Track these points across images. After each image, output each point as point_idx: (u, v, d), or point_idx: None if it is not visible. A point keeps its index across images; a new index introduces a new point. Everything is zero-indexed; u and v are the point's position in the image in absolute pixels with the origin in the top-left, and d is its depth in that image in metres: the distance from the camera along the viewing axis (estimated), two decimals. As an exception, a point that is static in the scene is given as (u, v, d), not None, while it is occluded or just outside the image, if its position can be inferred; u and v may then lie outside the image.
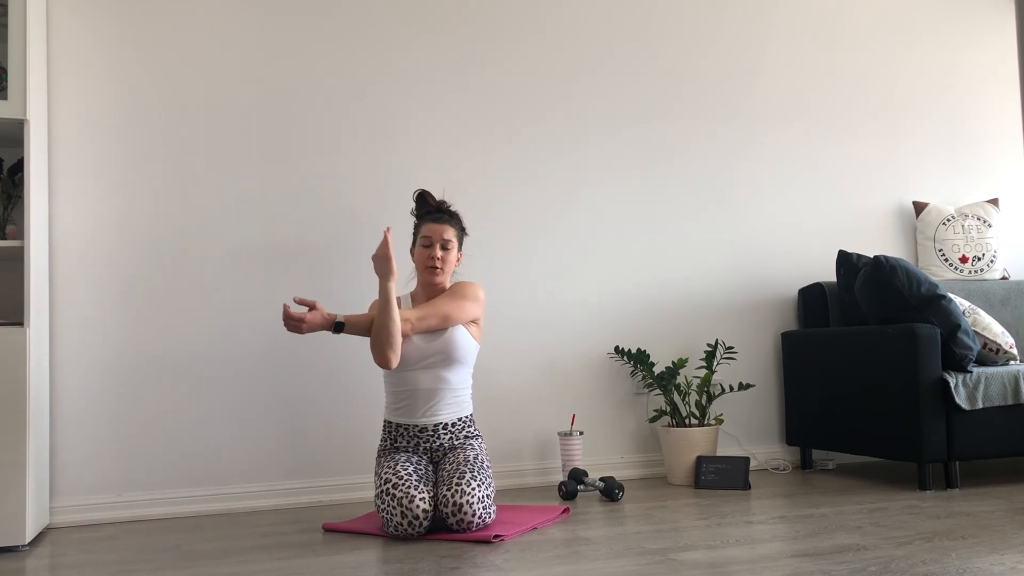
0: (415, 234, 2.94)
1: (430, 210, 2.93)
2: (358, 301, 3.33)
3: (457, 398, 2.84)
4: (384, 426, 2.88)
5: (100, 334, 3.09)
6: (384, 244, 2.69)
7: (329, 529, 2.75)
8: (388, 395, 2.87)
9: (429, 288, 2.91)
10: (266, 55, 3.34)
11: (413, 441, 2.81)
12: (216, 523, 2.96)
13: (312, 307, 2.81)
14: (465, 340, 2.84)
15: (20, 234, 2.94)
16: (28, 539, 2.61)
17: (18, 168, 2.92)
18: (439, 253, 2.86)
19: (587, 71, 3.75)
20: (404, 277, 3.35)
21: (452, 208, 2.97)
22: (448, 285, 2.93)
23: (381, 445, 2.87)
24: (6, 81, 2.77)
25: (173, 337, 3.16)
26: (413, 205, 3.42)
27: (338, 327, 2.79)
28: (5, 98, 2.70)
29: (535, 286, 3.61)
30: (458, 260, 2.95)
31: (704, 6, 3.94)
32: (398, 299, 2.97)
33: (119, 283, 3.12)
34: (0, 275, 2.99)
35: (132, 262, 3.14)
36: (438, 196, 3.36)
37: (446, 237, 2.87)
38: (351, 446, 3.32)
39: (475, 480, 2.60)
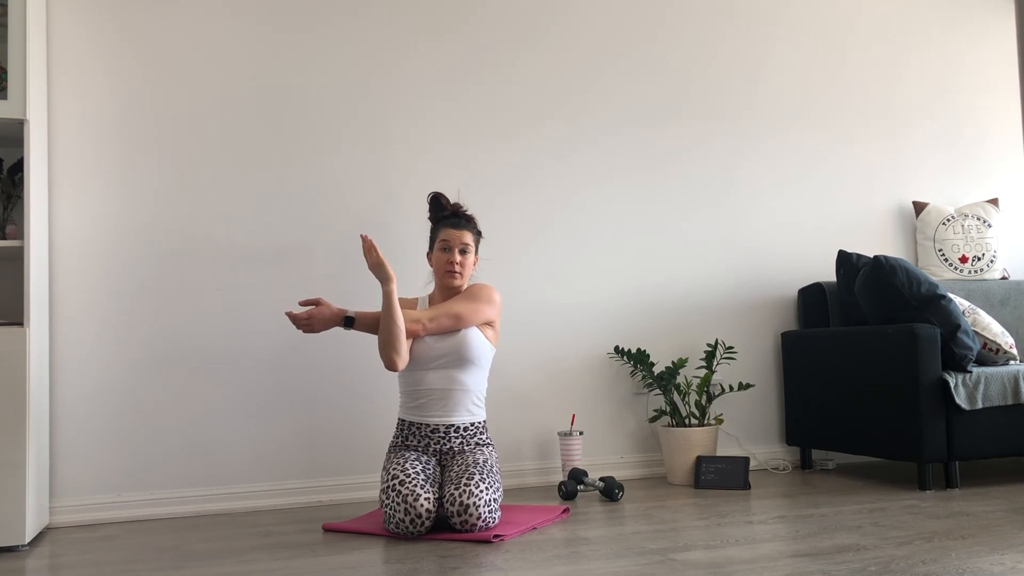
0: (432, 238, 2.94)
1: (447, 214, 2.93)
2: (359, 302, 3.33)
3: (470, 401, 2.84)
4: (397, 423, 2.89)
5: (100, 334, 3.09)
6: (374, 252, 2.72)
7: (329, 529, 2.75)
8: (402, 394, 2.88)
9: (446, 291, 2.92)
10: (267, 56, 3.34)
11: (424, 441, 2.82)
12: (216, 523, 2.96)
13: (317, 304, 2.84)
14: (478, 341, 2.84)
15: (20, 234, 2.94)
16: (28, 539, 2.61)
17: (18, 168, 2.92)
18: (458, 258, 2.86)
19: (588, 74, 3.75)
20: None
21: (468, 211, 2.96)
22: (464, 288, 2.93)
23: (393, 441, 2.88)
24: (6, 81, 2.77)
25: (173, 337, 3.16)
26: (412, 207, 3.44)
27: (348, 322, 2.84)
28: (5, 98, 2.70)
29: (535, 286, 3.61)
30: (475, 263, 2.95)
31: (706, 9, 3.94)
32: (415, 300, 2.99)
33: (119, 283, 3.12)
34: (0, 275, 2.99)
35: (132, 262, 3.14)
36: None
37: (464, 242, 2.88)
38: (351, 446, 3.32)
39: (484, 482, 2.61)
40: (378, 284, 3.32)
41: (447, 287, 2.90)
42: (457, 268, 2.86)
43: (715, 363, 3.67)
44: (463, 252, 2.88)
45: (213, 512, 3.14)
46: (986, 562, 2.10)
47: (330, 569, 2.24)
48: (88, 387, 3.07)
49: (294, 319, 2.83)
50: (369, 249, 2.74)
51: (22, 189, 2.89)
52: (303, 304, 2.87)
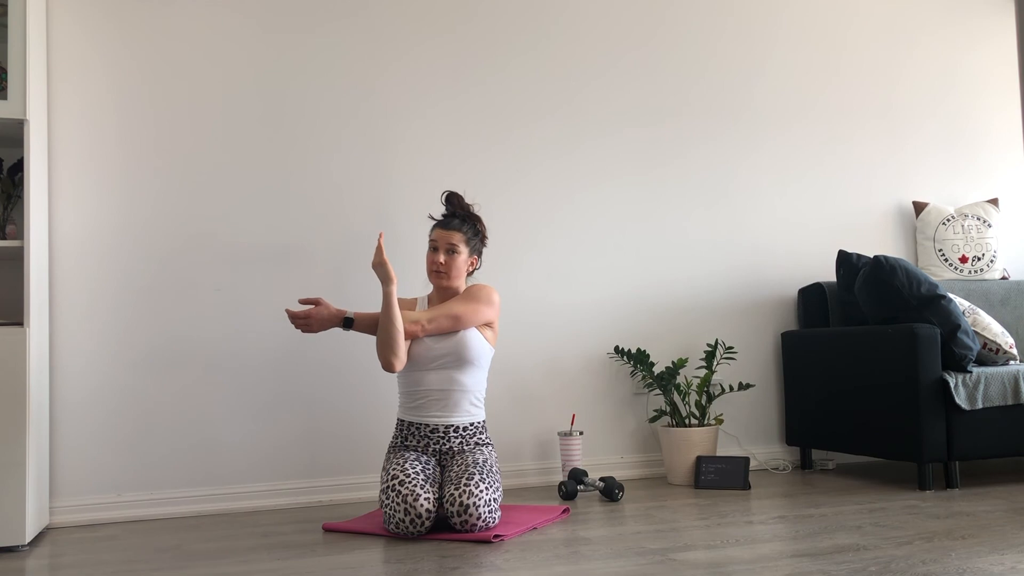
0: (429, 237, 2.96)
1: (445, 214, 2.94)
2: (358, 302, 3.33)
3: (468, 402, 2.85)
4: (397, 423, 2.89)
5: (100, 334, 3.09)
6: (378, 251, 2.76)
7: (329, 529, 2.75)
8: (401, 395, 2.89)
9: (442, 291, 2.92)
10: (267, 56, 3.34)
11: (423, 441, 2.82)
12: (216, 523, 2.96)
13: (317, 303, 2.85)
14: (477, 342, 2.84)
15: (20, 234, 2.94)
16: (28, 539, 2.61)
17: (18, 168, 2.92)
18: (442, 258, 2.87)
19: (588, 73, 3.75)
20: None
21: (475, 211, 2.97)
22: (462, 289, 2.93)
23: (392, 442, 2.88)
24: (6, 81, 2.77)
25: (173, 337, 3.16)
26: (410, 206, 3.45)
27: (347, 323, 2.85)
28: (5, 98, 2.70)
29: (535, 286, 3.61)
30: (471, 265, 2.95)
31: (707, 9, 3.94)
32: (414, 300, 3.00)
33: (119, 283, 3.12)
34: (0, 275, 2.99)
35: (132, 262, 3.14)
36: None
37: (452, 242, 2.88)
38: (352, 446, 3.32)
39: (483, 482, 2.61)
40: (379, 286, 3.33)
41: (437, 287, 2.91)
42: (441, 268, 2.87)
43: (715, 363, 3.67)
44: (449, 252, 2.88)
45: (213, 512, 3.14)
46: (986, 562, 2.10)
47: (330, 569, 2.24)
48: (88, 387, 3.07)
49: (293, 317, 2.84)
50: (377, 248, 2.76)
51: (22, 189, 2.89)
52: (303, 302, 2.87)
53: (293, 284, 3.30)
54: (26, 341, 2.65)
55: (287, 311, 2.85)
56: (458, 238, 2.89)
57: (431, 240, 2.91)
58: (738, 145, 3.94)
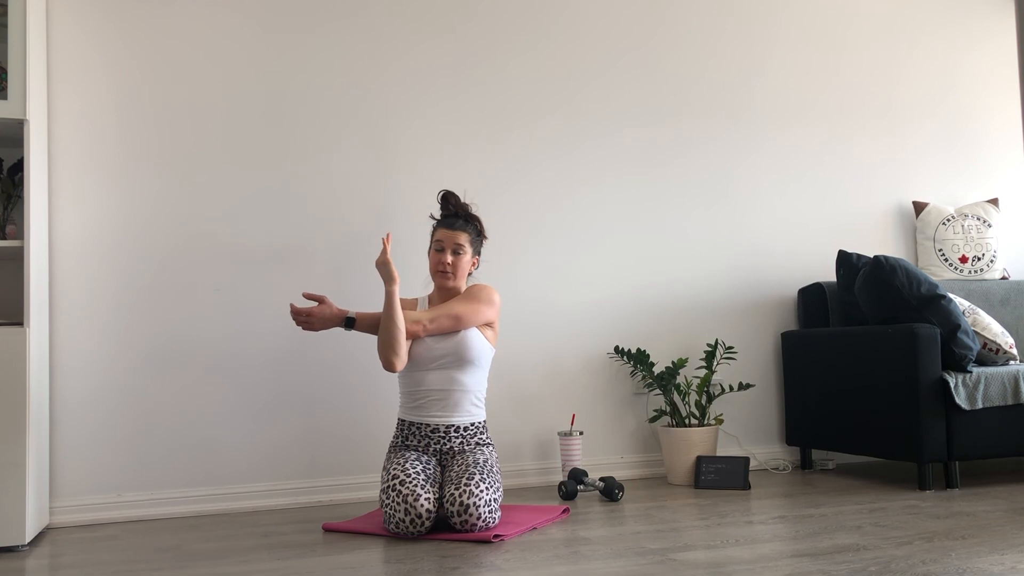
0: (431, 237, 2.95)
1: (447, 214, 2.95)
2: (358, 303, 3.33)
3: (469, 401, 2.85)
4: (397, 423, 2.89)
5: (100, 334, 3.09)
6: (383, 250, 2.76)
7: (329, 529, 2.75)
8: (402, 395, 2.89)
9: (444, 291, 2.93)
10: (267, 56, 3.34)
11: (424, 441, 2.82)
12: (216, 523, 2.96)
13: (321, 301, 2.85)
14: (478, 342, 2.85)
15: (20, 234, 2.94)
16: (28, 539, 2.61)
17: (18, 168, 2.92)
18: (449, 258, 2.87)
19: (588, 73, 3.75)
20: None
21: (473, 211, 2.98)
22: (463, 288, 2.94)
23: (393, 441, 2.88)
24: (6, 81, 2.77)
25: (173, 337, 3.16)
26: (410, 206, 3.45)
27: (349, 323, 2.86)
28: (5, 98, 2.70)
29: (535, 286, 3.61)
30: (474, 264, 2.96)
31: (707, 9, 3.94)
32: (415, 300, 3.00)
33: (119, 283, 3.12)
34: (0, 275, 2.99)
35: (132, 262, 3.14)
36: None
37: (458, 242, 2.88)
38: (352, 446, 3.32)
39: (484, 482, 2.61)
40: (378, 286, 3.33)
41: (441, 287, 2.91)
42: (448, 269, 2.87)
43: (715, 363, 3.67)
44: (455, 253, 2.89)
45: (213, 512, 3.14)
46: (986, 562, 2.10)
47: (330, 569, 2.25)
48: (88, 387, 3.07)
49: (295, 313, 2.84)
50: (384, 248, 2.76)
51: (22, 189, 2.89)
52: (308, 297, 2.87)
53: (293, 284, 3.30)
54: (26, 341, 2.65)
55: (291, 306, 2.85)
56: (464, 238, 2.89)
57: (435, 240, 2.91)
58: (738, 145, 3.94)
